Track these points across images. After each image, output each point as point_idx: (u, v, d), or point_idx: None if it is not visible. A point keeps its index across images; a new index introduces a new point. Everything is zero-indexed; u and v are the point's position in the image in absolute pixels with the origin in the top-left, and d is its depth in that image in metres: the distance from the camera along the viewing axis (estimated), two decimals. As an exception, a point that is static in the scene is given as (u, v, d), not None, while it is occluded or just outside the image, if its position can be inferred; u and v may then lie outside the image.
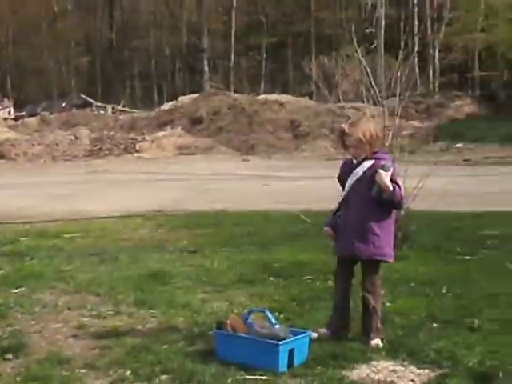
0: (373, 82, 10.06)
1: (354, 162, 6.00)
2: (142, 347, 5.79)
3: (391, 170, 5.79)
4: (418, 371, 5.36)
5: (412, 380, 5.20)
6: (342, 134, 6.00)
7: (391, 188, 5.75)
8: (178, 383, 5.10)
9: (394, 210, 6.07)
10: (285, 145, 28.48)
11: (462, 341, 5.87)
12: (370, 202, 5.86)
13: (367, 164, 5.91)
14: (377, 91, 10.11)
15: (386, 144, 9.14)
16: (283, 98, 33.53)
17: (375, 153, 5.97)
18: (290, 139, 29.03)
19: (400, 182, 5.99)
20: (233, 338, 5.54)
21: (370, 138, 5.85)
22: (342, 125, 6.11)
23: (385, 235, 5.92)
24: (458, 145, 24.30)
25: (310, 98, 36.99)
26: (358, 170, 5.95)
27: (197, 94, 41.39)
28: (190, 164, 28.46)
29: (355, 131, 5.85)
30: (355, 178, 5.96)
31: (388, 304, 6.83)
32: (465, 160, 21.97)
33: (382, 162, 5.82)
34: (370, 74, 10.16)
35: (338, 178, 6.15)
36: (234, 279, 8.13)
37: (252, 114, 30.83)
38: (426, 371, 5.35)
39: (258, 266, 8.70)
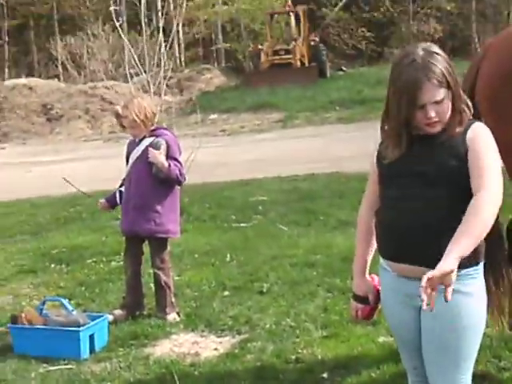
0: (126, 60, 10.05)
1: (137, 140, 5.99)
2: None
3: (163, 147, 5.83)
4: (219, 339, 5.49)
5: (215, 349, 5.31)
6: (117, 116, 5.99)
7: (166, 165, 5.79)
8: (-23, 386, 4.87)
9: (178, 187, 6.12)
10: (39, 129, 27.65)
11: (255, 305, 6.08)
12: (150, 179, 5.87)
13: (146, 142, 5.91)
14: (127, 69, 10.11)
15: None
16: (32, 81, 32.46)
17: (154, 130, 5.99)
18: (44, 123, 28.23)
19: (180, 158, 6.04)
20: (30, 330, 5.36)
21: (144, 117, 5.84)
22: (116, 107, 6.11)
23: (167, 212, 5.95)
24: (212, 116, 24.79)
25: (59, 80, 36.14)
26: (138, 148, 5.95)
27: None
28: None
29: (129, 112, 5.83)
30: (135, 157, 5.96)
31: (177, 278, 6.90)
32: (221, 130, 22.50)
33: (155, 140, 5.86)
34: (121, 52, 10.12)
35: (126, 157, 6.12)
36: (15, 271, 7.83)
37: (1, 100, 29.65)
38: (227, 338, 5.49)
39: (36, 255, 8.42)
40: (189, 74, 33.95)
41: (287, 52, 29.32)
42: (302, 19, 30.85)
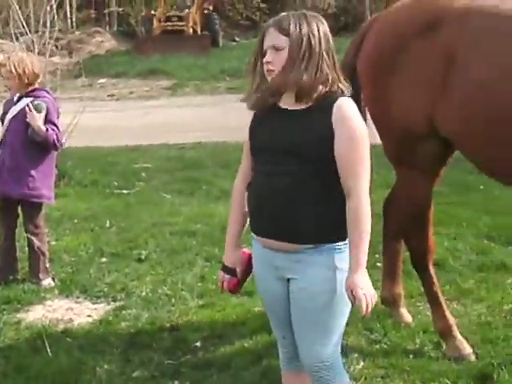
0: (11, 19, 9.74)
1: (15, 99, 5.82)
2: None
3: (44, 110, 5.68)
4: (94, 306, 5.43)
5: (89, 315, 5.26)
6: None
7: (43, 129, 5.64)
8: None
9: (54, 152, 5.95)
10: None
11: (132, 272, 6.03)
12: (25, 141, 5.71)
13: (23, 102, 5.74)
14: (12, 28, 9.81)
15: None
16: None
17: (33, 91, 5.82)
18: None
19: (58, 122, 5.89)
20: None
21: (22, 71, 5.67)
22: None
23: (41, 177, 5.79)
24: (101, 80, 24.29)
25: None
26: (14, 107, 5.78)
27: None
28: None
29: (8, 63, 5.67)
30: (11, 116, 5.79)
31: (54, 243, 6.77)
32: (109, 95, 22.09)
33: (36, 102, 5.70)
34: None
35: (1, 117, 5.92)
36: None
37: None
38: (102, 305, 5.43)
39: None
40: (79, 37, 33.15)
41: (180, 19, 28.99)
42: (196, -14, 30.55)
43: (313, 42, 2.94)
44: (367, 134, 3.02)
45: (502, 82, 3.94)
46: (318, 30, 2.97)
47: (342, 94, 3.02)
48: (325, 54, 2.97)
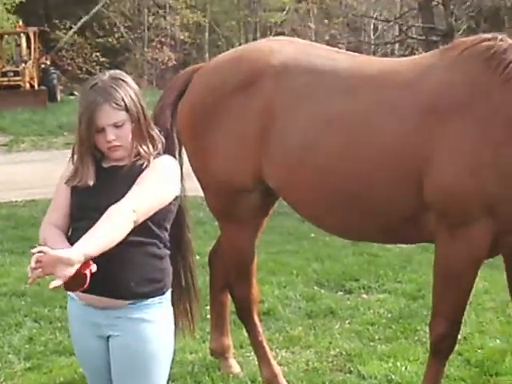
0: None
1: None
2: None
3: None
4: None
5: None
6: None
7: None
8: None
9: None
10: None
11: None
12: None
13: None
14: None
15: None
16: None
17: None
18: None
19: None
20: None
21: None
22: None
23: None
24: None
25: None
26: None
27: None
28: None
29: None
30: None
31: None
32: None
33: None
34: None
35: None
36: None
37: None
38: None
39: None
40: None
41: (16, 74, 28.39)
42: (33, 41, 30.06)
43: (141, 108, 3.03)
44: (175, 170, 3.12)
45: (323, 133, 4.10)
46: (136, 93, 3.04)
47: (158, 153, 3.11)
48: (146, 115, 3.06)
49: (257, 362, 4.90)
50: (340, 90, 4.10)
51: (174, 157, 3.47)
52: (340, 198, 4.10)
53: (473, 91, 3.79)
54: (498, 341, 5.54)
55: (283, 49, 4.38)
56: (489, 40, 3.87)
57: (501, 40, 3.85)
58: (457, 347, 5.22)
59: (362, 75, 4.12)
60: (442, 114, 3.81)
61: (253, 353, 5.13)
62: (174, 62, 40.09)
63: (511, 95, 3.71)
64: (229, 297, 5.03)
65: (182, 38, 41.52)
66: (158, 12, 40.73)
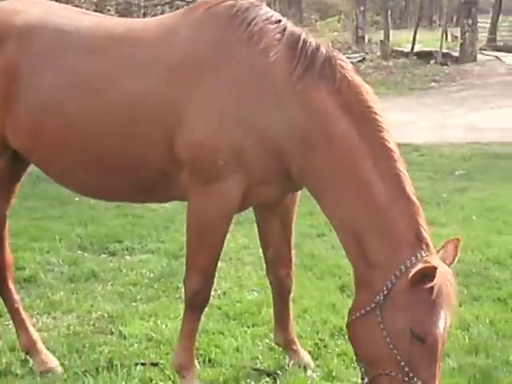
0: None
1: None
2: None
3: None
4: None
5: None
6: None
7: None
8: None
9: None
10: None
11: None
12: None
13: None
14: None
15: None
16: None
17: None
18: None
19: None
20: None
21: None
22: None
23: None
24: None
25: None
26: None
27: None
28: None
29: None
30: None
31: None
32: None
33: None
34: None
35: None
36: None
37: None
38: None
39: None
40: None
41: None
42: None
43: None
44: None
45: (68, 93, 4.03)
46: None
47: None
48: None
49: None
50: (85, 50, 4.05)
51: None
52: (89, 158, 4.07)
53: (216, 48, 3.85)
54: (255, 293, 5.73)
55: (28, 9, 4.29)
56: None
57: (243, -1, 3.94)
58: (216, 302, 5.45)
59: (109, 35, 4.09)
60: (189, 71, 3.85)
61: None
62: None
63: (254, 52, 3.81)
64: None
65: None
66: None
